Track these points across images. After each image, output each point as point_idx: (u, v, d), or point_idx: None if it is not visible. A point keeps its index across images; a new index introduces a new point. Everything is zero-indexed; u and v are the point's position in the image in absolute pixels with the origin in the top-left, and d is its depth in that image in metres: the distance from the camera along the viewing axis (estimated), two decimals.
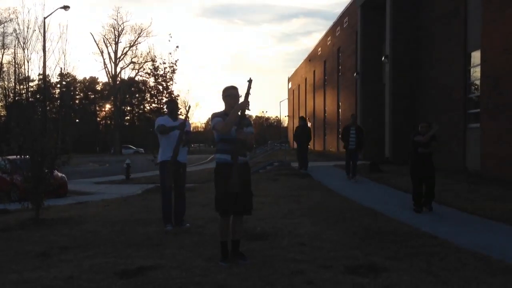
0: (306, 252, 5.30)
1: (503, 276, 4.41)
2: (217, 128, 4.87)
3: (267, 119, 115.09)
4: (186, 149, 6.95)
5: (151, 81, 18.16)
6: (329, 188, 11.74)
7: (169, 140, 6.67)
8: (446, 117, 16.42)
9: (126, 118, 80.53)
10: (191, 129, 6.54)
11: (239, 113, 4.76)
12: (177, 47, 16.91)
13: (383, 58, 20.11)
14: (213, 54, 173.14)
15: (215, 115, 4.95)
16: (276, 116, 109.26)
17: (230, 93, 4.99)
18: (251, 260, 4.95)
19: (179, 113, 7.84)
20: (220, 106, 5.11)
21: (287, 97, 62.93)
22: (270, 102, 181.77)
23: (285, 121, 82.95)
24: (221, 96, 5.05)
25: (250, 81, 4.81)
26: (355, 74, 24.19)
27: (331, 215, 7.78)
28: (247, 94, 4.81)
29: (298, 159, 16.90)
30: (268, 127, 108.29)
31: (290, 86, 58.90)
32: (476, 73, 15.05)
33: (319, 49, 38.37)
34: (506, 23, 12.85)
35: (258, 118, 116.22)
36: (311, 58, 42.03)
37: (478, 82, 14.82)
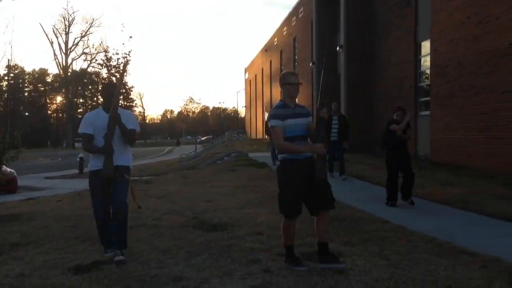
0: (264, 241, 5.34)
1: (450, 257, 4.60)
2: (274, 139, 4.25)
3: (224, 110, 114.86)
4: (130, 149, 4.92)
5: (104, 73, 17.76)
6: None
7: (100, 138, 4.65)
8: (400, 105, 16.85)
9: (78, 110, 78.40)
10: (136, 121, 4.89)
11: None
12: (131, 37, 16.66)
13: (337, 48, 20.41)
14: (168, 45, 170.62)
15: (274, 114, 4.22)
16: (233, 107, 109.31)
17: (290, 80, 4.32)
18: (208, 251, 4.96)
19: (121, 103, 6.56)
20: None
21: (244, 88, 62.92)
22: (227, 93, 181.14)
23: (242, 112, 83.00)
24: (279, 84, 4.41)
25: (327, 54, 4.51)
26: (311, 64, 24.46)
27: None
28: (323, 87, 4.38)
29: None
30: (225, 118, 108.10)
31: (247, 76, 58.90)
32: (426, 62, 15.54)
33: (275, 39, 38.52)
34: (453, 13, 13.29)
35: (216, 109, 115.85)
36: (268, 48, 42.15)
37: (428, 71, 15.29)
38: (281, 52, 36.31)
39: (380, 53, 18.61)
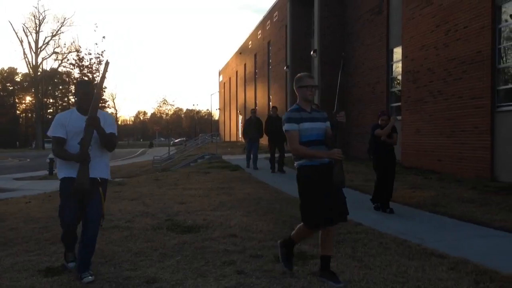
0: (237, 243, 5.36)
1: (420, 259, 4.71)
2: (290, 143, 4.02)
3: (198, 112, 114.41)
4: (107, 156, 4.35)
5: (75, 73, 17.43)
6: (260, 180, 11.90)
7: (74, 143, 4.06)
8: (370, 110, 17.16)
9: (48, 110, 76.83)
10: (115, 124, 4.35)
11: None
12: (104, 37, 16.38)
13: (311, 52, 20.61)
14: (142, 46, 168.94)
15: (289, 118, 4.00)
16: (207, 109, 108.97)
17: (306, 83, 4.07)
18: (181, 253, 4.94)
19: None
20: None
21: (218, 90, 62.82)
22: (201, 95, 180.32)
23: (216, 115, 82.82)
24: (294, 87, 4.16)
25: (342, 63, 4.26)
26: (285, 68, 24.61)
27: (261, 206, 7.91)
28: (340, 90, 4.16)
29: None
30: (199, 120, 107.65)
31: (221, 79, 58.83)
32: (398, 68, 15.83)
33: (250, 42, 38.62)
34: (423, 21, 13.60)
35: (189, 111, 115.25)
36: (242, 51, 42.21)
37: (399, 77, 15.59)
38: (255, 55, 36.42)
39: (353, 58, 18.88)
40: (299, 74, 4.20)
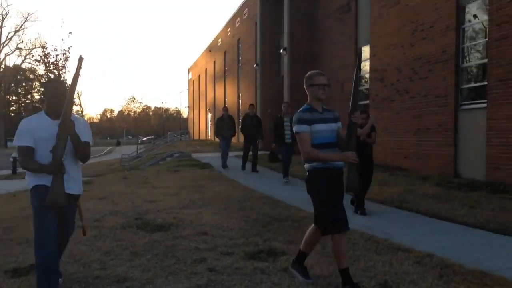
0: (208, 241, 5.37)
1: (387, 254, 4.83)
2: (301, 146, 3.77)
3: (167, 110, 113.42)
4: (79, 168, 3.82)
5: (41, 69, 17.03)
6: (230, 178, 11.91)
7: (45, 153, 3.49)
8: (339, 108, 17.35)
9: (11, 108, 74.71)
10: (90, 133, 3.82)
11: None
12: (70, 33, 16.02)
13: (281, 50, 20.71)
14: (109, 43, 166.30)
15: (300, 119, 3.77)
16: (176, 107, 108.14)
17: (317, 81, 3.82)
18: (152, 251, 4.91)
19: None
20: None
21: (187, 88, 62.41)
22: (169, 93, 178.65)
23: (185, 112, 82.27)
24: (304, 86, 3.92)
25: (359, 54, 4.16)
26: (254, 66, 24.65)
27: (232, 204, 7.93)
28: (356, 89, 3.91)
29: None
30: (167, 118, 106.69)
31: (190, 76, 58.45)
32: (366, 67, 16.08)
33: (220, 39, 38.50)
34: (390, 21, 13.87)
35: (158, 109, 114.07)
36: (212, 48, 42.04)
37: (367, 76, 15.84)
38: (225, 52, 36.35)
39: (322, 56, 19.08)
40: (309, 72, 3.94)
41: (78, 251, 4.92)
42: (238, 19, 31.47)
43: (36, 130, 3.54)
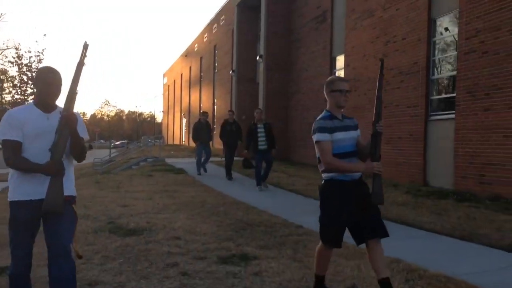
0: (181, 245, 5.40)
1: (357, 259, 4.95)
2: (322, 156, 3.57)
3: (141, 114, 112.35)
4: (72, 169, 3.34)
5: (14, 71, 16.72)
6: (203, 183, 11.93)
7: (35, 151, 3.09)
8: (314, 116, 17.59)
9: None
10: (85, 128, 3.37)
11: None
12: (45, 35, 15.76)
13: (257, 58, 20.87)
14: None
15: (321, 127, 3.58)
16: (150, 112, 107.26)
17: (339, 87, 3.66)
18: (124, 255, 4.92)
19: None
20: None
21: (162, 93, 62.06)
22: (144, 98, 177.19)
23: (159, 117, 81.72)
24: (324, 91, 3.76)
25: (382, 61, 3.75)
26: (230, 72, 24.75)
27: (205, 209, 7.96)
28: (379, 97, 3.70)
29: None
30: (141, 123, 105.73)
31: (165, 81, 58.17)
32: (340, 75, 16.35)
33: (196, 45, 38.49)
34: (365, 32, 14.17)
35: (131, 113, 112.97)
36: (188, 53, 41.98)
37: None
38: (201, 58, 36.34)
39: (298, 64, 19.31)
40: (330, 77, 3.81)
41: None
42: (215, 25, 31.56)
43: (25, 123, 3.08)
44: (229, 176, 12.85)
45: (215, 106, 31.00)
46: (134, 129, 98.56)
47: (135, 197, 9.43)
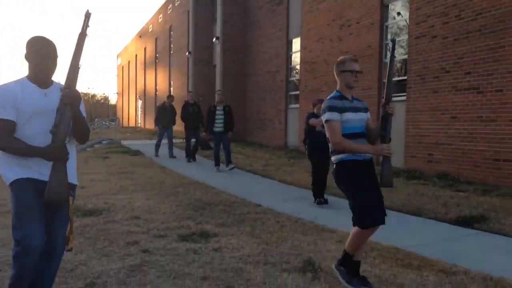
0: (141, 225, 5.44)
1: (313, 234, 5.16)
2: (331, 135, 3.50)
3: (94, 96, 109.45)
4: (74, 153, 2.98)
5: None
6: (161, 165, 11.90)
7: (30, 132, 2.74)
8: (270, 98, 17.78)
9: None
10: (83, 107, 2.98)
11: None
12: None
13: (214, 39, 20.75)
14: (33, 23, 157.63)
15: (331, 106, 3.49)
16: (104, 93, 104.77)
17: (351, 67, 3.59)
18: (84, 235, 4.92)
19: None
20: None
21: (116, 74, 60.63)
22: (97, 79, 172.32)
23: (113, 99, 79.91)
24: (335, 71, 3.68)
25: (394, 41, 3.65)
26: (187, 54, 24.49)
27: (164, 190, 7.99)
28: (390, 79, 3.56)
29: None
30: (95, 105, 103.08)
31: (119, 62, 56.81)
32: (296, 58, 16.54)
33: (151, 26, 37.74)
34: (320, 15, 14.36)
35: (84, 95, 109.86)
36: (142, 34, 41.11)
37: (298, 67, 16.31)
38: (156, 39, 35.69)
39: (255, 47, 19.35)
40: (341, 57, 3.73)
41: (6, 235, 4.81)
42: (170, 5, 31.02)
43: (20, 100, 2.72)
44: (189, 158, 12.83)
45: (171, 88, 30.64)
46: (87, 111, 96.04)
47: (92, 178, 9.32)
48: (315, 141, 7.19)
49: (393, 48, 3.60)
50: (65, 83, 2.70)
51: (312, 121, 7.20)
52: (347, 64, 3.59)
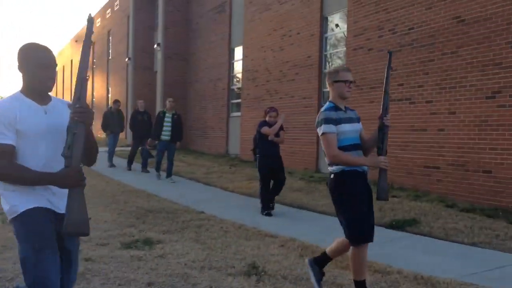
0: None
1: (256, 240, 5.28)
2: (327, 148, 3.44)
3: None
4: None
5: None
6: (100, 173, 11.63)
7: (33, 157, 2.37)
8: (212, 106, 17.85)
9: None
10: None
11: None
12: None
13: (155, 46, 20.56)
14: None
15: (327, 118, 3.42)
16: None
17: (344, 77, 3.48)
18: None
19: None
20: None
21: None
22: None
23: None
24: (327, 81, 3.58)
25: (390, 53, 3.59)
26: (126, 59, 24.07)
27: (105, 198, 7.85)
28: (387, 90, 3.56)
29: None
30: None
31: None
32: (238, 67, 16.72)
33: None
34: (262, 24, 14.64)
35: None
36: (78, 38, 39.91)
37: (240, 75, 16.50)
38: (93, 44, 34.80)
39: (197, 54, 19.36)
40: (333, 67, 3.65)
41: None
42: (109, 10, 30.39)
43: (19, 120, 2.34)
44: (129, 167, 12.56)
45: (109, 95, 29.94)
46: None
47: None
48: (267, 151, 7.07)
49: (390, 60, 3.58)
50: (74, 97, 2.35)
51: (264, 129, 7.04)
52: (340, 74, 3.50)
